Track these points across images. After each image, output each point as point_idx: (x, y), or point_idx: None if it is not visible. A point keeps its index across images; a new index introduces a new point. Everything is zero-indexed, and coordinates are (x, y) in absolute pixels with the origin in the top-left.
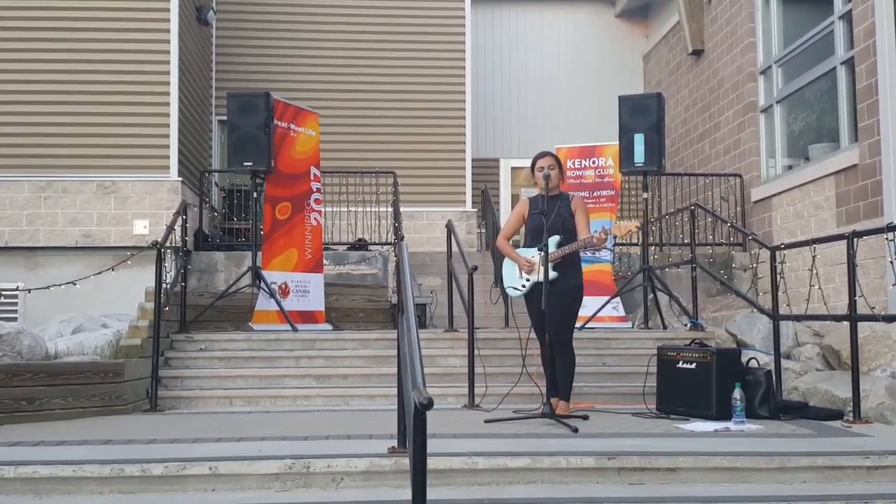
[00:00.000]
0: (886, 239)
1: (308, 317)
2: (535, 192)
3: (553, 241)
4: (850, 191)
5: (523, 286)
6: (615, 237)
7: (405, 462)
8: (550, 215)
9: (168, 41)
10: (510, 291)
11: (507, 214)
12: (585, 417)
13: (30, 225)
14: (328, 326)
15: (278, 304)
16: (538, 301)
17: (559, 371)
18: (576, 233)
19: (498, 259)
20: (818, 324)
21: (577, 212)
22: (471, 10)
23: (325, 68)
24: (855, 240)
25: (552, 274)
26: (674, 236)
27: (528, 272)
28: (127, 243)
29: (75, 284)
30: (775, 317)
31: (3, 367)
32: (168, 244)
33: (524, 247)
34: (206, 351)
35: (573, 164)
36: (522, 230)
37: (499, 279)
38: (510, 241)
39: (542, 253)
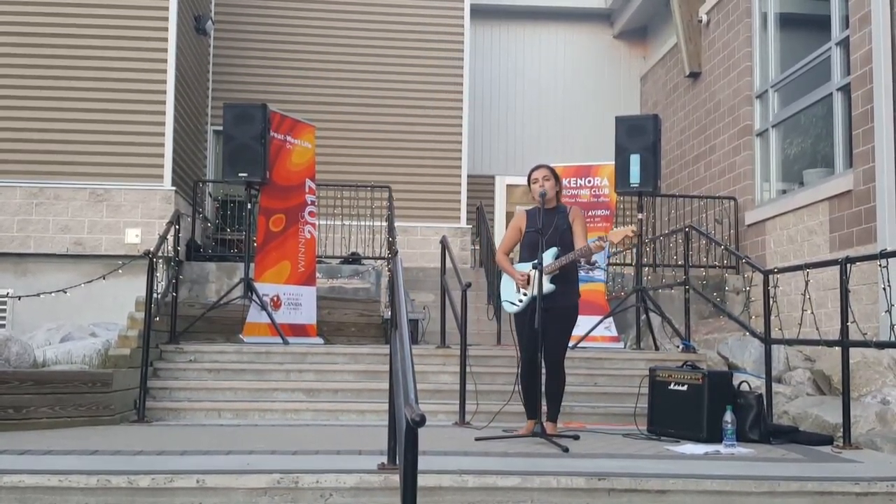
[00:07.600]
0: (879, 265)
1: (299, 330)
2: (532, 205)
3: (550, 252)
4: (843, 216)
5: (520, 301)
6: (611, 246)
7: (395, 479)
8: (548, 229)
9: (165, 50)
10: (506, 306)
11: (501, 231)
12: (576, 437)
13: (20, 231)
14: (319, 340)
15: (270, 316)
16: (532, 319)
17: (549, 391)
18: (573, 245)
19: (492, 276)
20: (810, 348)
21: (574, 223)
22: (470, 28)
23: (323, 81)
24: (848, 265)
25: (550, 286)
26: (668, 257)
27: (525, 287)
28: (118, 252)
29: (65, 292)
30: (767, 340)
31: None
32: (160, 254)
33: (519, 262)
34: (195, 362)
35: (569, 182)
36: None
37: (494, 296)
38: (509, 255)
39: (537, 270)
